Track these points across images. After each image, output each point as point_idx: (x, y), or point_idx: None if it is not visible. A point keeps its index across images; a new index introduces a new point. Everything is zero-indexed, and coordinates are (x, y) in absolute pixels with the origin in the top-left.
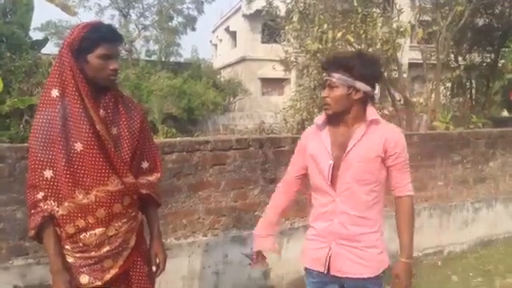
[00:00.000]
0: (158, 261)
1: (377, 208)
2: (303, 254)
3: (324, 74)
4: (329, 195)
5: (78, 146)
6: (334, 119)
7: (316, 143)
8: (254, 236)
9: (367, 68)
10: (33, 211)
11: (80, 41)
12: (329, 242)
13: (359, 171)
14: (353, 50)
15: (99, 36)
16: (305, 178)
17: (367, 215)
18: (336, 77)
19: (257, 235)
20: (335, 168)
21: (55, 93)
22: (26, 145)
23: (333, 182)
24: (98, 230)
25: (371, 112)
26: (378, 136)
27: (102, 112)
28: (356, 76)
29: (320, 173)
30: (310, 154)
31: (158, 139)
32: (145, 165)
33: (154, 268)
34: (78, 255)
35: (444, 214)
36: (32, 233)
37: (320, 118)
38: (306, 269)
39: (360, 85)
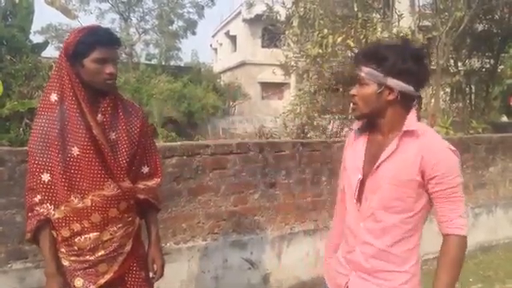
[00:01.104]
0: (155, 267)
1: (409, 243)
2: (327, 269)
3: (355, 68)
4: (354, 215)
5: (75, 151)
6: (370, 124)
7: (351, 151)
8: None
9: (405, 62)
10: (30, 214)
11: (75, 45)
12: (348, 272)
13: (388, 196)
14: (353, 55)
15: (94, 40)
16: None
17: (394, 251)
18: (365, 71)
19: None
20: (362, 184)
21: (54, 97)
22: (25, 148)
23: (359, 200)
24: (93, 235)
25: (410, 120)
26: (414, 153)
27: (99, 116)
28: (388, 71)
29: (349, 187)
30: (344, 163)
31: (158, 143)
32: (145, 169)
33: (151, 274)
34: (72, 258)
35: None
36: (28, 236)
37: (358, 123)
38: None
39: (393, 82)
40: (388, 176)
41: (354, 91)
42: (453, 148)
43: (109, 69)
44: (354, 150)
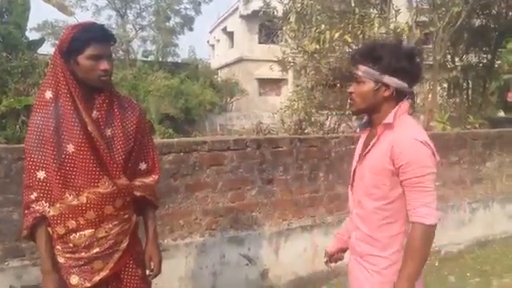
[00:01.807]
0: (152, 264)
1: (391, 230)
2: None
3: (352, 67)
4: (351, 202)
5: (70, 148)
6: (369, 118)
7: (358, 145)
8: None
9: (399, 60)
10: (26, 212)
11: (69, 42)
12: (350, 254)
13: (368, 184)
14: (350, 50)
15: (89, 36)
16: None
17: (376, 236)
18: (362, 70)
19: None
20: (355, 174)
21: (49, 94)
22: (22, 145)
23: (352, 188)
24: (88, 232)
25: (391, 114)
26: (387, 144)
27: (95, 113)
28: (384, 69)
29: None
30: None
31: (156, 140)
32: (142, 166)
33: (148, 271)
34: (68, 255)
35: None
36: (24, 233)
37: (362, 118)
38: None
39: (389, 79)
40: (368, 165)
41: (351, 89)
42: (423, 140)
43: (103, 65)
44: (359, 143)
